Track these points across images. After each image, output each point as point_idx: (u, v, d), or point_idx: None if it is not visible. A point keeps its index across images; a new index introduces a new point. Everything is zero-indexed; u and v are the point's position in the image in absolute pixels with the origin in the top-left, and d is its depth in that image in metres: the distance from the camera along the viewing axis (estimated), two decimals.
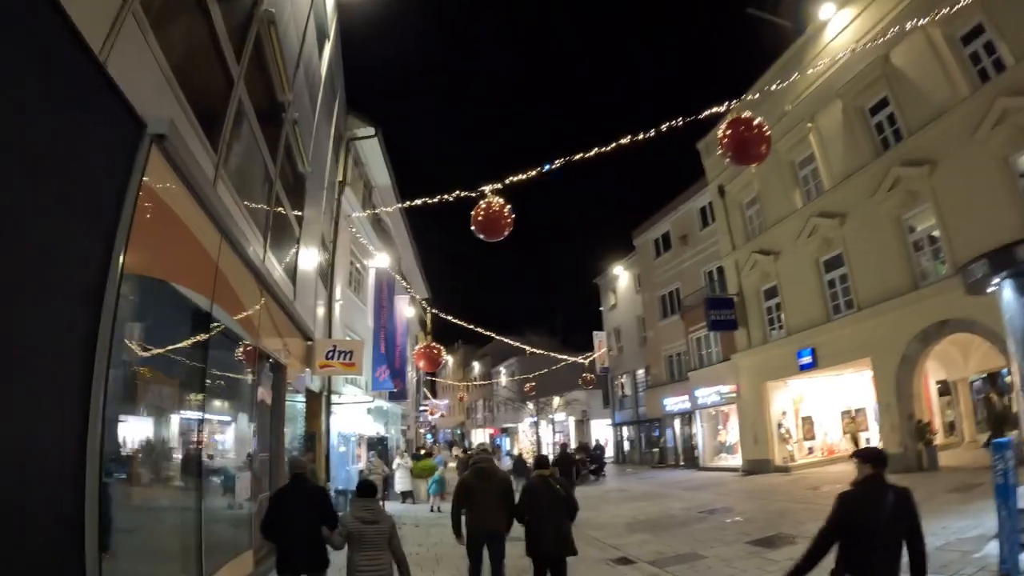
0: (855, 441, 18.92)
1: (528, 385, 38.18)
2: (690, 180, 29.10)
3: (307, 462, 7.73)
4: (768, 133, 9.29)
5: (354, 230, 18.34)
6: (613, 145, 11.41)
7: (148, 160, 4.52)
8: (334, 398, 15.54)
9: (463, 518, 6.96)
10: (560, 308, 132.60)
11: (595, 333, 37.62)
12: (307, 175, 12.60)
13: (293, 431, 11.29)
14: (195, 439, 5.73)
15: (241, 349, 7.34)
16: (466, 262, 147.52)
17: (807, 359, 19.25)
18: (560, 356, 33.06)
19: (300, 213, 12.08)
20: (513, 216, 10.57)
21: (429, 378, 46.32)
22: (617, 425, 37.61)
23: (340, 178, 17.71)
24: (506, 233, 10.73)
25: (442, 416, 53.72)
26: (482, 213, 10.62)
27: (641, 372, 34.55)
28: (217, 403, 6.67)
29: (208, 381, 5.95)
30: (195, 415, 5.76)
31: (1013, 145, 13.63)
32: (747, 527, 11.82)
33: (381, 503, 6.83)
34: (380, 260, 20.74)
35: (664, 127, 11.29)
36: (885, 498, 3.99)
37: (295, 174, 12.04)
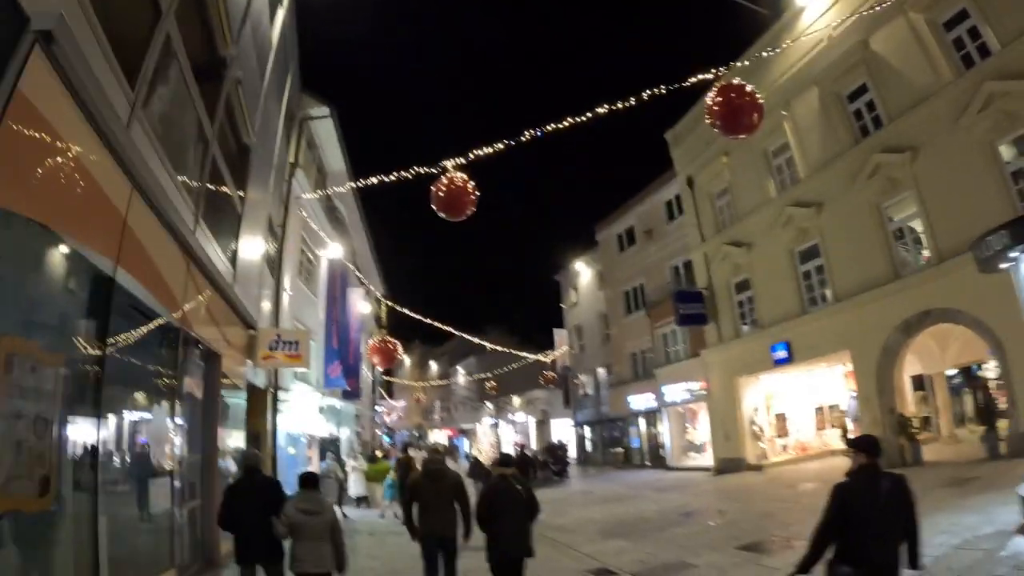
0: (844, 434, 18.23)
1: (489, 384, 37.19)
2: (656, 174, 28.54)
3: (258, 454, 7.77)
4: (761, 101, 8.50)
5: (304, 214, 17.02)
6: (588, 116, 10.47)
7: (27, 63, 3.44)
8: (281, 395, 14.21)
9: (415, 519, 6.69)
10: (520, 306, 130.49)
11: (556, 331, 36.70)
12: (252, 147, 11.32)
13: (233, 430, 10.02)
14: (90, 437, 4.51)
15: (158, 329, 6.11)
16: (424, 257, 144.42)
17: (782, 353, 18.62)
18: (521, 354, 32.14)
19: (243, 189, 10.80)
20: (477, 193, 9.70)
21: (385, 378, 44.86)
22: (579, 425, 36.76)
23: (291, 159, 16.40)
24: (469, 211, 9.79)
25: (399, 417, 52.33)
26: (443, 189, 9.70)
27: (603, 370, 33.79)
28: (123, 394, 5.43)
29: (108, 363, 4.72)
30: (89, 406, 4.53)
31: (999, 130, 13.17)
32: (732, 530, 10.95)
33: (341, 510, 6.15)
34: (333, 250, 19.44)
35: (645, 95, 10.40)
36: (879, 487, 3.92)
37: (238, 143, 10.77)
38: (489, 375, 39.84)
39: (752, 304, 20.54)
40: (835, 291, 17.36)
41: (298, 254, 17.46)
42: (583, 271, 35.81)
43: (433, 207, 9.60)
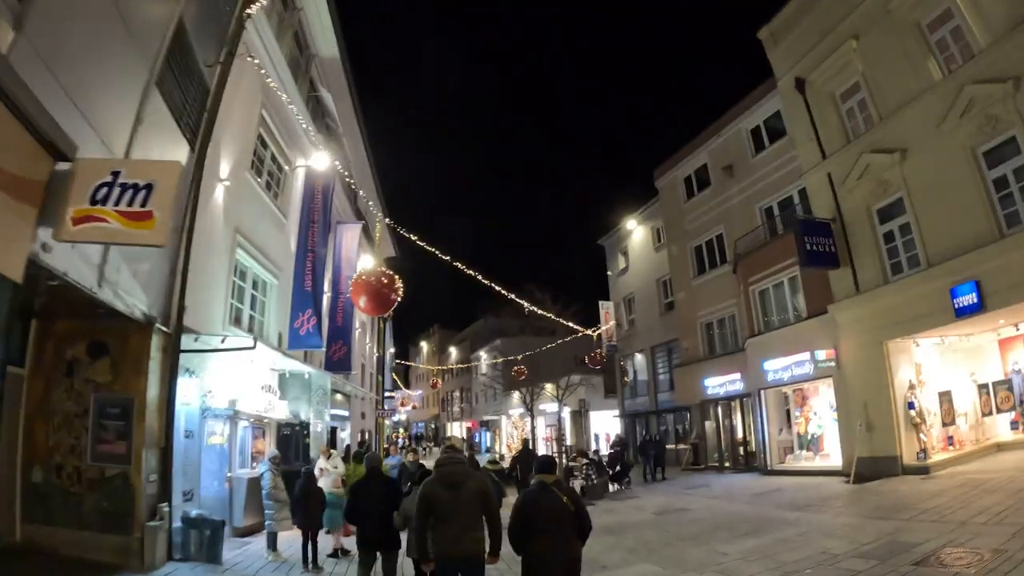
0: None
1: (516, 368, 31.28)
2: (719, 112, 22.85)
3: (378, 456, 8.12)
4: None
5: (273, 84, 11.25)
6: None
7: None
8: (190, 341, 8.33)
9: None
10: (556, 276, 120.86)
11: (602, 303, 30.67)
12: None
13: None
14: None
15: None
16: (440, 220, 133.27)
17: (968, 299, 12.52)
18: (567, 324, 26.39)
19: None
20: None
21: (398, 362, 39.15)
22: (627, 416, 30.80)
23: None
24: None
25: (414, 407, 46.58)
26: None
27: (662, 348, 27.86)
28: None
29: None
30: None
31: None
32: None
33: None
34: (317, 160, 13.67)
35: None
36: None
37: None
38: (518, 358, 34.00)
39: (907, 235, 14.37)
40: None
41: (253, 139, 11.68)
42: (635, 231, 29.87)
43: None
